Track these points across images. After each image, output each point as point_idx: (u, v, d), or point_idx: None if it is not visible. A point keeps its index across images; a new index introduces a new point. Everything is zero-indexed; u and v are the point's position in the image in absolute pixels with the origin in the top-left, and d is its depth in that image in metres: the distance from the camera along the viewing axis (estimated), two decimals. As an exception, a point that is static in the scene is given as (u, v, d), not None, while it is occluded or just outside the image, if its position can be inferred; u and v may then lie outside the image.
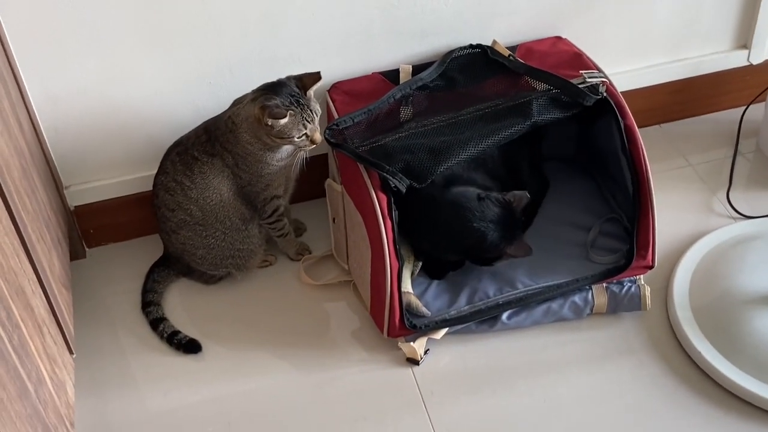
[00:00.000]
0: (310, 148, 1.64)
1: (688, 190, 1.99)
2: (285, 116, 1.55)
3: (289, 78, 1.62)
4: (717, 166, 2.05)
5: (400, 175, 1.53)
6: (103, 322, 1.78)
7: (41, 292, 1.40)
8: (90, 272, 1.88)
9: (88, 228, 1.91)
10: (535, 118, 1.61)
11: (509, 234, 1.64)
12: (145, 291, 1.79)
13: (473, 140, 1.57)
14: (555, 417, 1.57)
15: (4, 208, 1.27)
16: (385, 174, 1.53)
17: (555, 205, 1.87)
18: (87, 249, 1.93)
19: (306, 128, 1.59)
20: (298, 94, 1.59)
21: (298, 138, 1.59)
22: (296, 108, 1.57)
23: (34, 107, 1.69)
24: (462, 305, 1.66)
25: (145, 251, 1.88)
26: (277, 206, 1.75)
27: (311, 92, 1.61)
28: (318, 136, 1.62)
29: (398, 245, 1.56)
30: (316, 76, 1.62)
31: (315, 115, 1.61)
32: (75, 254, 1.89)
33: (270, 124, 1.56)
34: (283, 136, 1.58)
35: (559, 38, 1.91)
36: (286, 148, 1.65)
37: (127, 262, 1.88)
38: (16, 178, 1.40)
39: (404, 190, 1.54)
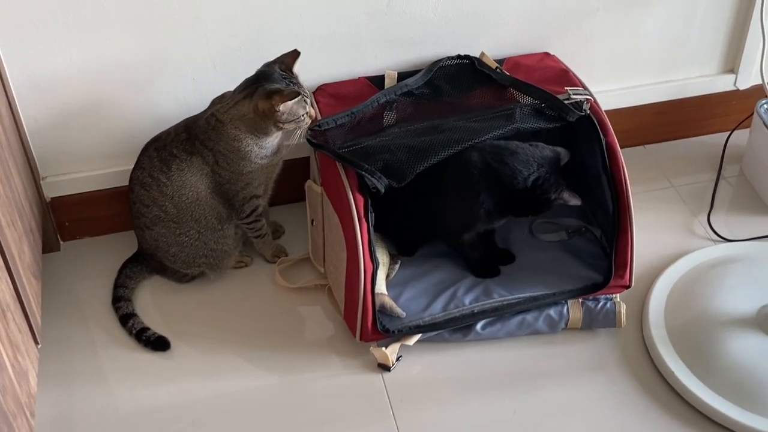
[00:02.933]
0: (307, 123, 1.63)
1: (669, 212, 1.99)
2: (297, 95, 1.55)
3: (267, 65, 1.62)
4: (699, 189, 2.05)
5: (379, 174, 1.52)
6: (73, 315, 1.75)
7: (8, 278, 1.38)
8: (63, 265, 1.86)
9: (64, 220, 1.88)
10: (518, 123, 1.61)
11: (560, 179, 1.62)
12: (117, 286, 1.77)
13: (454, 140, 1.56)
14: (523, 430, 1.55)
15: (-27, 189, 1.26)
16: (363, 172, 1.52)
17: (535, 220, 1.86)
18: (61, 242, 1.91)
19: (307, 104, 1.60)
20: (287, 75, 1.60)
21: (302, 116, 1.60)
22: (297, 87, 1.58)
23: (14, 94, 1.68)
24: (437, 311, 1.64)
25: (121, 247, 1.86)
26: (256, 206, 1.73)
27: (295, 70, 1.62)
28: (312, 110, 1.63)
29: (374, 248, 1.55)
30: (294, 54, 1.63)
31: (306, 90, 1.62)
32: (49, 246, 1.87)
33: (281, 109, 1.56)
34: (292, 119, 1.59)
35: (546, 54, 1.91)
36: (272, 144, 1.64)
37: (102, 257, 1.86)
38: (-11, 161, 1.38)
39: (383, 190, 1.53)
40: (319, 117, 1.72)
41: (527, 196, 1.61)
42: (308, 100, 1.61)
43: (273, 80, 1.58)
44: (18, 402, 1.31)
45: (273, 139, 1.64)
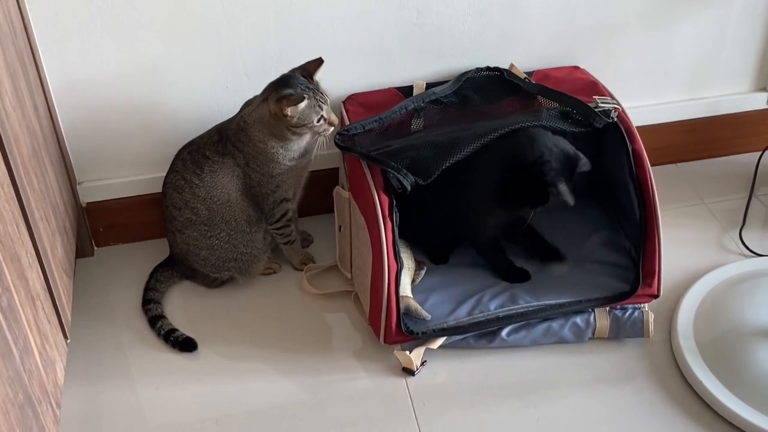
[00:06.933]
0: (330, 131, 1.66)
1: (700, 227, 1.97)
2: (303, 100, 1.57)
3: (292, 70, 1.66)
4: (731, 207, 2.03)
5: (405, 170, 1.53)
6: (104, 317, 1.78)
7: (39, 268, 1.41)
8: (96, 270, 1.90)
9: (98, 226, 1.92)
10: (544, 122, 1.61)
11: (567, 173, 1.59)
12: (147, 289, 1.80)
13: (480, 134, 1.57)
14: (548, 437, 1.53)
15: (7, 176, 1.29)
16: (389, 170, 1.53)
17: (564, 232, 1.85)
18: (95, 247, 1.95)
19: (322, 110, 1.62)
20: (306, 81, 1.62)
21: (317, 122, 1.62)
22: (309, 92, 1.60)
23: (52, 96, 1.73)
24: (462, 316, 1.64)
25: (154, 254, 1.89)
26: (286, 210, 1.76)
27: (317, 78, 1.65)
28: (334, 117, 1.65)
29: (398, 248, 1.56)
30: (318, 62, 1.65)
31: (326, 96, 1.64)
32: (83, 251, 1.90)
33: (289, 113, 1.59)
34: (304, 123, 1.61)
35: (576, 67, 1.92)
36: (298, 147, 1.66)
37: (135, 264, 1.89)
38: (25, 154, 1.42)
39: (409, 188, 1.54)
40: (347, 122, 1.74)
41: (528, 177, 1.59)
42: (325, 107, 1.63)
43: (291, 85, 1.61)
44: (44, 389, 1.33)
45: (296, 142, 1.66)
